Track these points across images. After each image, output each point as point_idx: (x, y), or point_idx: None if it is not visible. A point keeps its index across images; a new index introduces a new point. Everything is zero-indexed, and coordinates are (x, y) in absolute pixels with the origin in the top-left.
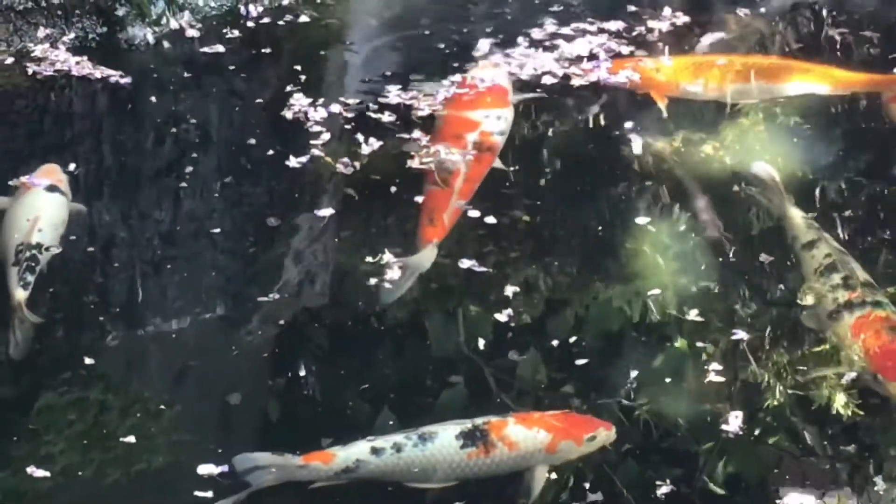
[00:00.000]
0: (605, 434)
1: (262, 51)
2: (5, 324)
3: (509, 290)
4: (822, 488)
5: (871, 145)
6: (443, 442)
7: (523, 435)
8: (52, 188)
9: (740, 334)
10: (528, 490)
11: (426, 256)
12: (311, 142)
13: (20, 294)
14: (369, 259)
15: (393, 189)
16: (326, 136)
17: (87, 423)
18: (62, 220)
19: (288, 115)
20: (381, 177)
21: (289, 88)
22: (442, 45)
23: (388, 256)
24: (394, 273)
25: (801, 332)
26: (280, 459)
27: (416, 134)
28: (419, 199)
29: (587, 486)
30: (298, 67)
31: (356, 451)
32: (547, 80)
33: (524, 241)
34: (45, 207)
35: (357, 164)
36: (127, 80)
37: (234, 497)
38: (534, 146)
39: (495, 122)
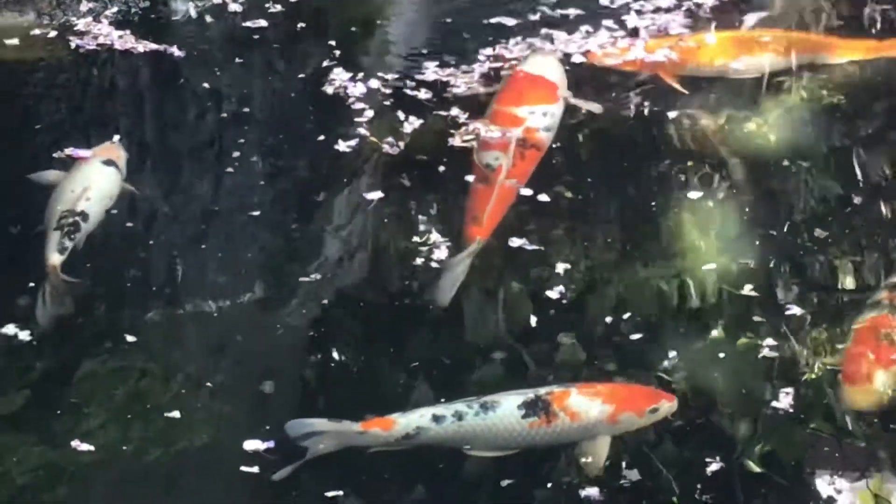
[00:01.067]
0: (668, 406)
1: (304, 25)
2: (38, 288)
3: (550, 269)
4: (860, 471)
5: None
6: (505, 411)
7: (585, 405)
8: (108, 162)
9: (786, 312)
10: (592, 461)
11: (467, 255)
12: (356, 119)
13: (56, 258)
14: (416, 239)
15: (440, 168)
16: (369, 114)
17: (130, 397)
18: (112, 194)
19: (329, 90)
20: (426, 156)
21: (329, 63)
22: (485, 22)
23: (434, 236)
24: (441, 252)
25: (844, 312)
26: (339, 426)
27: (454, 112)
28: (466, 178)
29: (624, 464)
30: (338, 42)
31: (416, 419)
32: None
33: (566, 218)
34: (97, 179)
35: (401, 143)
36: (179, 52)
37: (295, 464)
38: (576, 123)
39: (542, 119)
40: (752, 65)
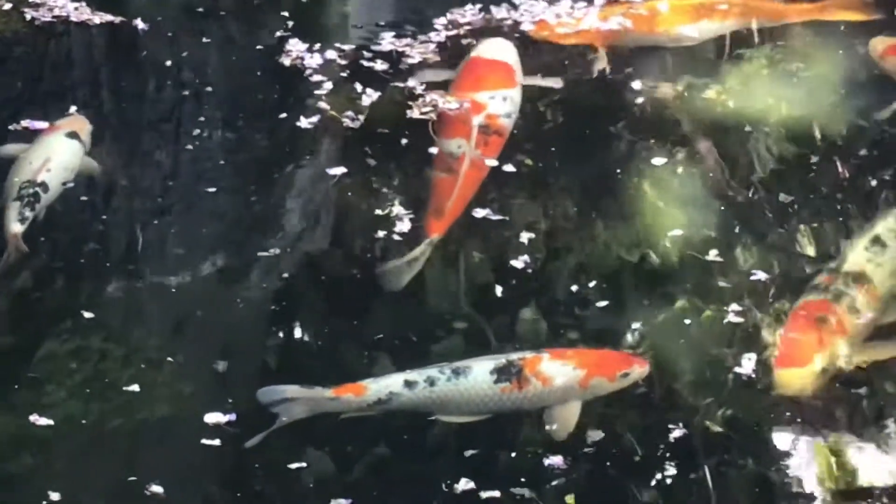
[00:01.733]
0: (640, 370)
1: None
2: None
3: (514, 238)
4: (817, 429)
5: (871, 89)
6: (477, 377)
7: (557, 370)
8: (72, 135)
9: (749, 278)
10: (560, 426)
11: (422, 252)
12: (315, 92)
13: (16, 227)
14: (378, 212)
15: (402, 141)
16: (328, 86)
17: (89, 372)
18: (73, 167)
19: (286, 61)
20: (386, 129)
21: (286, 34)
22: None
23: (397, 208)
24: (404, 225)
25: (801, 277)
26: (310, 392)
27: (411, 83)
28: (428, 150)
29: (588, 430)
30: (295, 12)
31: (389, 384)
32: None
33: (530, 188)
34: (59, 151)
35: (361, 116)
36: (139, 24)
37: (266, 431)
38: (536, 93)
39: (502, 104)
40: (706, 31)
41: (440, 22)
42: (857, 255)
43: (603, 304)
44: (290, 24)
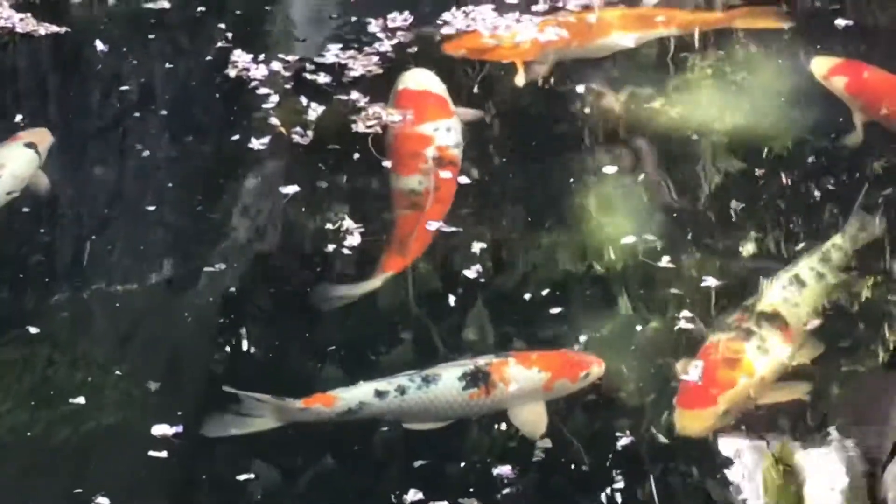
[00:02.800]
0: (598, 369)
1: (206, 6)
2: None
3: (458, 247)
4: (764, 436)
5: (817, 101)
6: (446, 384)
7: (523, 374)
8: (30, 145)
9: (694, 286)
10: (531, 428)
11: (372, 286)
12: (263, 106)
13: None
14: (329, 226)
15: (353, 156)
16: (274, 99)
17: (35, 383)
18: (23, 177)
19: (231, 73)
20: (335, 143)
21: (229, 45)
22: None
23: (347, 223)
24: (354, 239)
25: (746, 284)
26: (281, 402)
27: (354, 95)
28: (381, 163)
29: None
30: (240, 24)
31: (359, 394)
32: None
33: (472, 199)
34: (12, 158)
35: (309, 132)
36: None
37: (240, 432)
38: (481, 103)
39: (447, 135)
40: (642, 41)
41: (376, 26)
42: (773, 294)
43: (551, 312)
44: (231, 35)
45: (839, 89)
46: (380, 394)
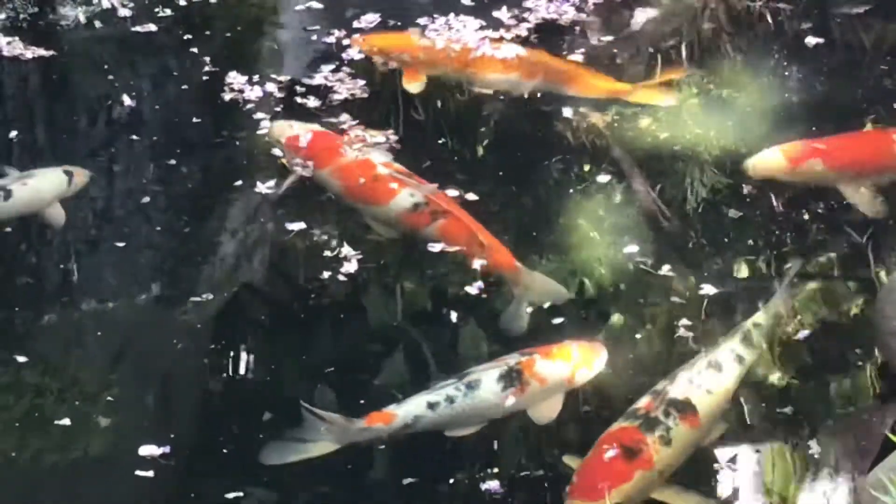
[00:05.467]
0: (604, 353)
1: (195, 30)
2: None
3: (447, 266)
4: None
5: (803, 117)
6: (487, 387)
7: (549, 369)
8: (67, 173)
9: (676, 304)
10: (544, 417)
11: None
12: (257, 132)
13: None
14: (328, 253)
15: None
16: (266, 124)
17: (22, 406)
18: (47, 197)
19: (226, 96)
20: None
21: (220, 68)
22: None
23: (346, 249)
24: (351, 266)
25: (734, 304)
26: (345, 423)
27: (343, 117)
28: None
29: (523, 455)
30: (227, 47)
31: (413, 408)
32: None
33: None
34: (45, 176)
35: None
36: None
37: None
38: (469, 122)
39: (379, 153)
40: (498, 83)
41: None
42: (687, 379)
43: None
44: (226, 58)
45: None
46: (432, 405)
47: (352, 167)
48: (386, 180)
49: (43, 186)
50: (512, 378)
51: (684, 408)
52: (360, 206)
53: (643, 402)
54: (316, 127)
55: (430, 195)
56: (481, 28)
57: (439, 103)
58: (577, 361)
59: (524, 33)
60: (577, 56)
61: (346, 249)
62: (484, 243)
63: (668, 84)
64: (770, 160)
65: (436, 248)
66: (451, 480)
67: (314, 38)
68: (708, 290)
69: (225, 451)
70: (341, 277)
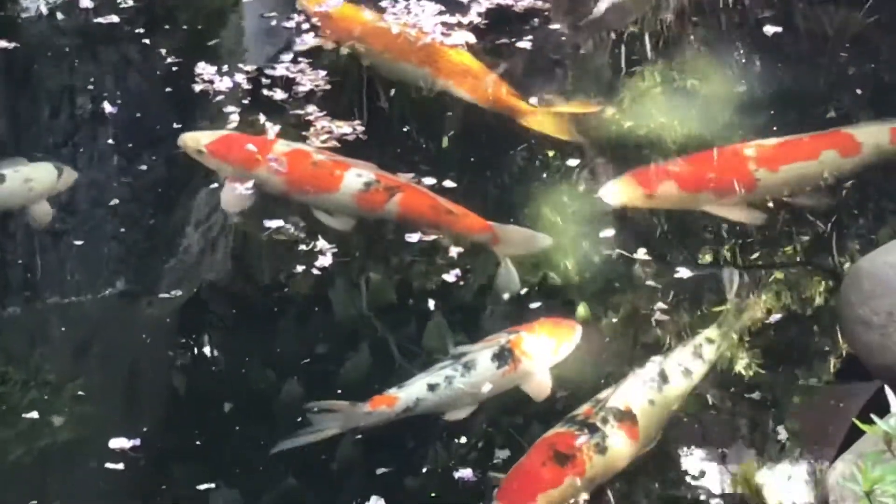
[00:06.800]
0: (579, 329)
1: (157, 20)
2: None
3: (411, 256)
4: (721, 446)
5: (767, 105)
6: (484, 365)
7: (535, 345)
8: (58, 167)
9: (642, 296)
10: (539, 393)
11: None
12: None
13: None
14: (303, 247)
15: None
16: (235, 117)
17: None
18: (38, 188)
19: (196, 87)
20: None
21: (186, 59)
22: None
23: (321, 243)
24: (326, 259)
25: (702, 294)
26: (350, 408)
27: (310, 108)
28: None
29: (496, 443)
30: (194, 36)
31: (415, 391)
32: None
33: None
34: (37, 166)
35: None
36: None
37: (299, 440)
38: (434, 111)
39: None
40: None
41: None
42: (630, 388)
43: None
44: (199, 47)
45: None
46: (432, 387)
47: (287, 160)
48: (328, 166)
49: (34, 175)
50: (504, 356)
51: (623, 417)
52: (309, 199)
53: (583, 408)
54: (226, 130)
55: (378, 172)
56: (440, 13)
57: (403, 93)
58: (558, 337)
59: (475, 19)
60: (525, 44)
61: (321, 243)
62: (451, 210)
63: (573, 116)
64: (624, 189)
65: (413, 237)
66: (424, 469)
67: (273, 24)
68: (675, 276)
69: (198, 443)
70: (315, 271)
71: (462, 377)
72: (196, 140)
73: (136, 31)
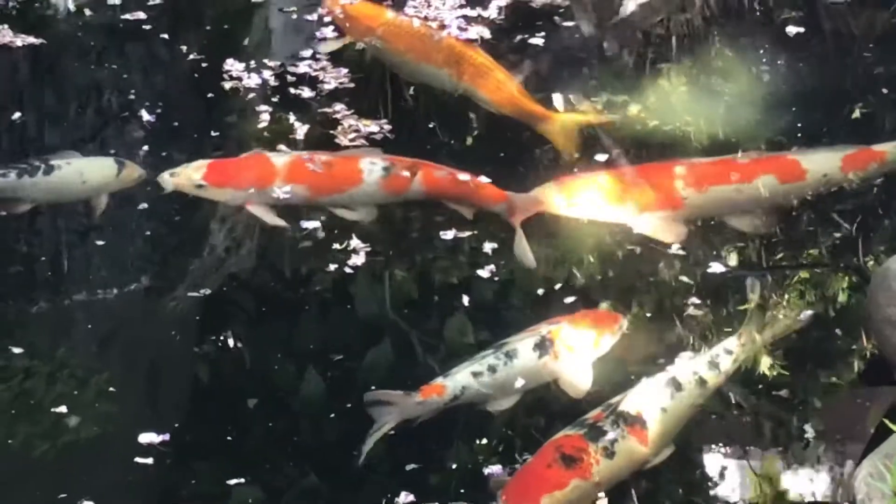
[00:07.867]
0: (624, 321)
1: (184, 16)
2: None
3: (435, 253)
4: (746, 445)
5: (792, 105)
6: (525, 355)
7: (576, 336)
8: (119, 162)
9: (665, 297)
10: (577, 387)
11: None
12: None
13: None
14: (336, 246)
15: None
16: (265, 117)
17: (14, 393)
18: (91, 180)
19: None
20: None
21: (214, 55)
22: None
23: (355, 242)
24: (359, 258)
25: (725, 295)
26: (405, 398)
27: (338, 107)
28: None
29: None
30: (221, 33)
31: (461, 379)
32: None
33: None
34: (93, 160)
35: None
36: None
37: (371, 439)
38: (459, 108)
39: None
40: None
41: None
42: (641, 394)
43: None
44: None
45: None
46: (476, 375)
47: (301, 169)
48: (339, 163)
49: (87, 168)
50: (545, 346)
51: (634, 422)
52: (335, 199)
53: (594, 413)
54: (210, 159)
55: (383, 155)
56: (460, 6)
57: (428, 90)
58: (602, 326)
59: (494, 14)
60: (546, 41)
61: (355, 242)
62: (469, 181)
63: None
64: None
65: (448, 235)
66: (454, 465)
67: (294, 17)
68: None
69: (227, 438)
70: (347, 269)
71: (505, 366)
72: (188, 177)
73: (162, 27)
